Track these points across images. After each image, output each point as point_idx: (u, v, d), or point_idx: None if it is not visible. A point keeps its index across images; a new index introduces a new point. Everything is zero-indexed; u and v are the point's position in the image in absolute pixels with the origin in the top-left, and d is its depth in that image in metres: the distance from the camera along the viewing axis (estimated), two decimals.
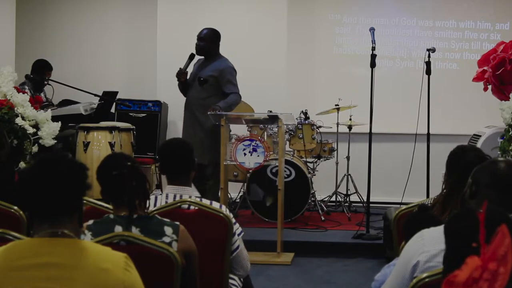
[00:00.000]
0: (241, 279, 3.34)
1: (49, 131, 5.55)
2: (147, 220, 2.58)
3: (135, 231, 2.52)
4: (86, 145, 6.29)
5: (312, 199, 6.85)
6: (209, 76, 6.00)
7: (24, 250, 1.88)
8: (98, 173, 2.66)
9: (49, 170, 1.89)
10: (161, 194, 3.18)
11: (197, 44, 6.07)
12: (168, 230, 2.57)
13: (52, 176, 1.88)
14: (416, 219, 2.61)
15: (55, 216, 1.88)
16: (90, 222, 2.56)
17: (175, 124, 8.07)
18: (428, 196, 5.77)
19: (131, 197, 2.54)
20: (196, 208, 3.07)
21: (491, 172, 2.33)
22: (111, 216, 2.60)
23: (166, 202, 3.09)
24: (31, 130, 5.44)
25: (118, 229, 2.53)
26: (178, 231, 2.58)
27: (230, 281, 3.21)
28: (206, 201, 3.13)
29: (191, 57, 6.11)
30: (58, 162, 1.91)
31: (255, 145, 5.67)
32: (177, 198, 3.11)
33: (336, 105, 7.12)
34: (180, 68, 6.06)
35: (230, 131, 6.29)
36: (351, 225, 6.52)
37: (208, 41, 6.06)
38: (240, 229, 3.20)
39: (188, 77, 6.11)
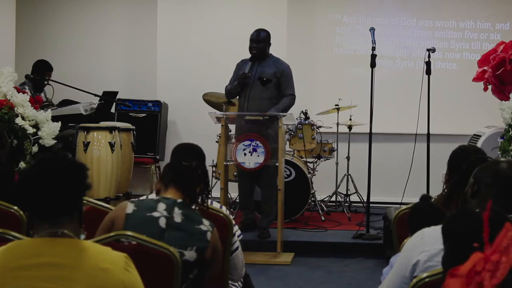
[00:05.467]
0: (241, 280, 3.33)
1: (49, 131, 5.55)
2: (188, 207, 2.69)
3: (177, 212, 2.62)
4: (86, 145, 6.29)
5: (312, 199, 6.86)
6: (272, 76, 6.03)
7: (24, 250, 1.88)
8: (170, 166, 2.81)
9: (49, 170, 1.89)
10: None
11: (255, 47, 6.04)
12: (205, 222, 2.68)
13: (52, 176, 1.88)
14: (420, 209, 2.59)
15: (55, 216, 1.89)
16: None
17: (175, 124, 8.08)
18: None
19: (195, 184, 2.73)
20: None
21: (493, 172, 2.33)
22: (157, 196, 2.72)
23: None
24: (31, 130, 5.44)
25: (162, 206, 2.62)
26: (213, 227, 2.69)
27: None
28: None
29: (253, 60, 6.07)
30: (58, 162, 1.91)
31: (255, 145, 5.67)
32: None
33: (336, 105, 7.12)
34: (244, 73, 5.98)
35: (230, 131, 6.29)
36: (351, 225, 6.52)
37: (266, 43, 6.10)
38: (239, 231, 3.20)
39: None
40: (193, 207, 2.76)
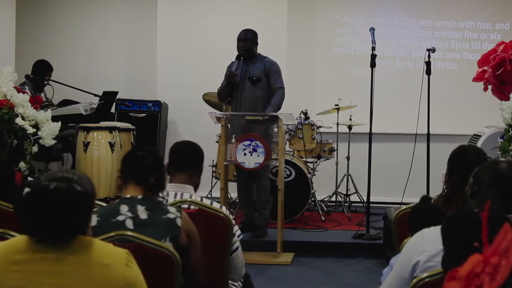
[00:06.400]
0: (241, 280, 3.34)
1: (49, 131, 5.55)
2: (152, 201, 2.66)
3: (141, 209, 2.59)
4: (86, 145, 6.29)
5: (312, 199, 6.86)
6: (261, 75, 6.06)
7: (26, 244, 1.88)
8: (124, 157, 2.78)
9: (53, 205, 1.86)
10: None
11: (242, 46, 6.06)
12: (172, 209, 2.65)
13: (56, 211, 1.86)
14: (420, 210, 2.59)
15: (56, 241, 1.88)
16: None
17: (175, 124, 8.08)
18: None
19: (148, 172, 2.66)
20: (196, 208, 3.07)
21: (492, 172, 2.33)
22: (117, 200, 2.67)
23: (167, 201, 3.09)
24: (31, 130, 5.44)
25: (124, 208, 2.60)
26: (181, 212, 2.66)
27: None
28: (206, 201, 3.13)
29: (239, 58, 6.09)
30: (63, 196, 1.87)
31: (255, 145, 5.67)
32: (178, 197, 3.11)
33: (336, 105, 7.12)
34: (231, 71, 6.03)
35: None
36: (351, 225, 6.52)
37: (253, 42, 6.12)
38: (239, 231, 3.20)
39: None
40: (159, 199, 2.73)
